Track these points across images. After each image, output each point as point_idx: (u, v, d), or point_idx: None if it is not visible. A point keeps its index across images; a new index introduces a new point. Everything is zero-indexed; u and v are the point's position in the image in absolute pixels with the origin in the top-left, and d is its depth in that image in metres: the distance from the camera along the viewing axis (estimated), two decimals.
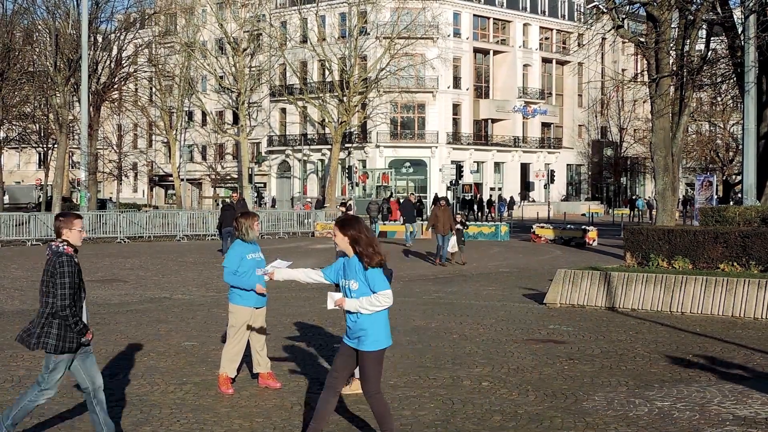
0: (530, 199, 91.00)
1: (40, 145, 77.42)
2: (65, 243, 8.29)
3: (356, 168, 77.79)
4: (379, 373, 8.32)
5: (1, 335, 15.36)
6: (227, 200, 37.08)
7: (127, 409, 10.20)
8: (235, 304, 11.13)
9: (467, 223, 36.25)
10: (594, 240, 41.31)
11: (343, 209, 35.62)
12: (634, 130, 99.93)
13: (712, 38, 37.69)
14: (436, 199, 32.50)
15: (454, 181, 71.43)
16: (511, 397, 10.78)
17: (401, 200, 55.31)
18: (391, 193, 76.56)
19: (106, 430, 8.36)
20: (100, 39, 60.30)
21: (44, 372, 8.29)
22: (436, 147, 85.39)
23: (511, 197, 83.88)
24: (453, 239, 30.26)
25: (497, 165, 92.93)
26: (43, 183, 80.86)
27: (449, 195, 74.61)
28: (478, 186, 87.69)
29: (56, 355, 8.17)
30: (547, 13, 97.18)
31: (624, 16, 37.18)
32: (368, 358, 8.21)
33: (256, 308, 11.16)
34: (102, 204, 68.81)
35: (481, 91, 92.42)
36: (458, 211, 40.56)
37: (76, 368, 8.32)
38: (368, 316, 8.15)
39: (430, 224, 30.52)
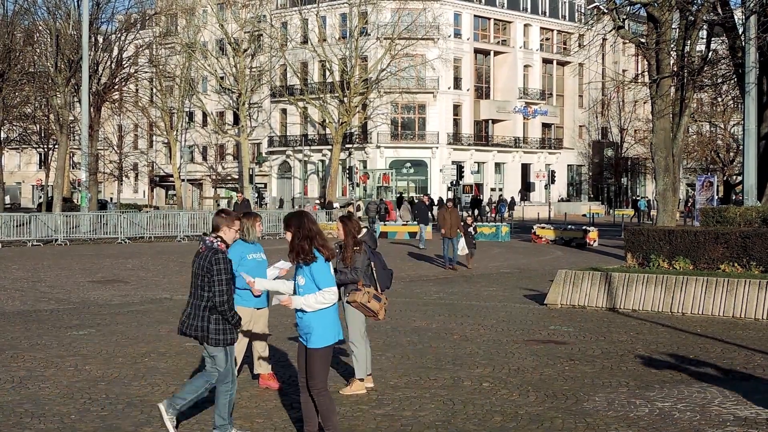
0: (528, 200, 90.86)
1: (41, 146, 77.49)
2: (219, 239, 8.72)
3: (357, 168, 77.84)
4: (327, 370, 8.31)
5: (2, 336, 15.36)
6: (235, 200, 36.85)
7: (128, 410, 10.20)
8: (236, 305, 11.11)
9: (476, 224, 36.06)
10: (595, 240, 41.31)
11: (350, 209, 35.32)
12: (635, 130, 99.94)
13: (712, 39, 37.69)
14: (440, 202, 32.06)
15: (454, 182, 71.46)
16: (511, 397, 10.78)
17: (415, 201, 54.82)
18: (401, 195, 76.43)
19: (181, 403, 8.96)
20: (100, 40, 60.26)
21: (211, 365, 8.88)
22: (437, 147, 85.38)
23: (512, 198, 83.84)
24: (462, 242, 29.18)
25: (498, 165, 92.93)
26: (43, 183, 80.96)
27: (449, 195, 74.68)
28: (479, 186, 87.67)
29: (217, 347, 8.74)
30: (547, 14, 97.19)
31: (625, 17, 37.22)
32: (314, 355, 8.18)
33: (257, 309, 11.17)
34: (102, 204, 68.84)
35: (482, 91, 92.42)
36: (468, 214, 39.94)
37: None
38: (314, 314, 8.14)
39: (441, 227, 29.65)
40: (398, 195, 75.61)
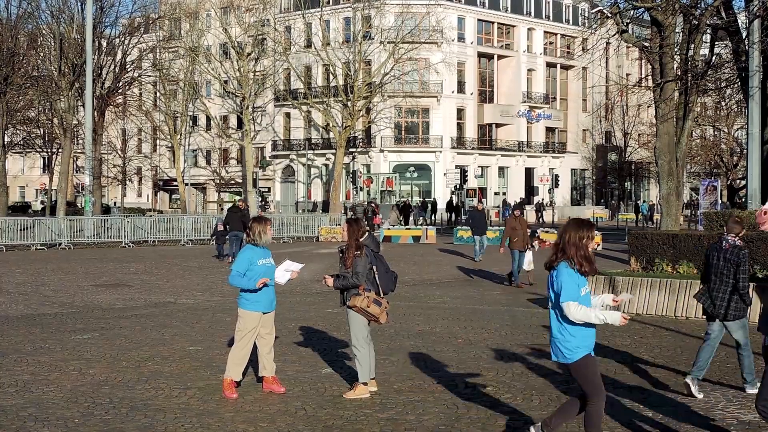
0: (532, 203, 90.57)
1: (45, 150, 77.65)
2: (738, 238, 11.04)
3: (360, 173, 77.82)
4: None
5: (6, 340, 15.37)
6: (238, 203, 36.57)
7: (131, 414, 10.21)
8: (244, 309, 11.15)
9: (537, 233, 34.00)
10: (598, 245, 41.28)
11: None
12: (639, 134, 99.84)
13: (716, 43, 37.61)
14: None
15: (458, 186, 71.40)
16: (515, 401, 10.77)
17: (470, 209, 52.22)
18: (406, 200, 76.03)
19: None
20: (104, 43, 60.40)
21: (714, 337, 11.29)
22: (440, 152, 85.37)
23: (515, 202, 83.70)
24: (529, 255, 25.64)
25: (501, 170, 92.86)
26: (47, 187, 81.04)
27: (454, 199, 74.59)
28: (483, 191, 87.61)
29: (736, 321, 11.12)
30: (551, 18, 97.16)
31: (628, 21, 37.13)
32: None
33: (264, 313, 11.19)
34: (106, 209, 68.91)
35: (486, 95, 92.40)
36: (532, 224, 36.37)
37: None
38: None
39: (506, 238, 25.71)
40: (403, 200, 75.37)
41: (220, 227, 35.23)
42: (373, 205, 61.83)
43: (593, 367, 8.06)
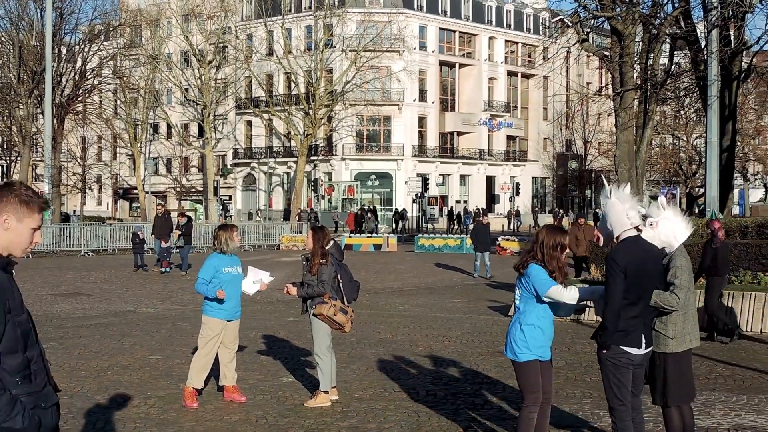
0: (494, 211, 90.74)
1: (3, 158, 76.96)
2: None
3: (322, 181, 77.75)
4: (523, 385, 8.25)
5: None
6: (156, 213, 35.42)
7: (90, 423, 10.12)
8: (207, 316, 11.13)
9: None
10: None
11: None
12: (599, 143, 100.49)
13: (675, 52, 37.99)
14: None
15: (419, 194, 71.48)
16: (476, 410, 10.78)
17: (476, 221, 49.53)
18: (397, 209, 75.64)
19: None
20: (64, 51, 60.04)
21: None
22: (402, 160, 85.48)
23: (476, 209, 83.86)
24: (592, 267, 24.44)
25: (463, 178, 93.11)
26: None
27: (415, 208, 74.56)
28: (444, 198, 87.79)
29: None
30: (512, 27, 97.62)
31: (589, 30, 37.44)
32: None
33: (228, 321, 11.15)
34: (65, 217, 68.34)
35: (447, 104, 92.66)
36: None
37: None
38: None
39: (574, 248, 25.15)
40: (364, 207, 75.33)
41: (142, 235, 34.85)
42: (316, 213, 62.29)
43: (536, 372, 8.15)
